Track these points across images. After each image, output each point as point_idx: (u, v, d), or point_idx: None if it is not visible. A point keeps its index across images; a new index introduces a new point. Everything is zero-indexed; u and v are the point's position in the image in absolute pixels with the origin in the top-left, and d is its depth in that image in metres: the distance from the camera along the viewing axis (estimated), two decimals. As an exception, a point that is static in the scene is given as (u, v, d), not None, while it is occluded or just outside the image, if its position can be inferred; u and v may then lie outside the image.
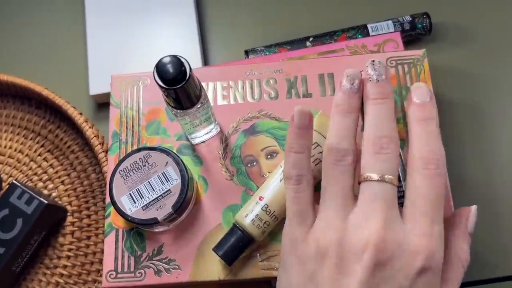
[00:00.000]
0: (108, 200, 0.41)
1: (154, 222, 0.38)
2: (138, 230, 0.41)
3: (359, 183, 0.33)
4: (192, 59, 0.53)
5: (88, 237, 0.49)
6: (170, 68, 0.33)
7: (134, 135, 0.44)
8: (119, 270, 0.40)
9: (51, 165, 0.51)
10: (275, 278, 0.41)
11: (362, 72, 0.36)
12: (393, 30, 0.51)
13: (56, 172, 0.51)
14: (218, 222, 0.41)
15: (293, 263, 0.34)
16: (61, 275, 0.48)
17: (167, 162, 0.39)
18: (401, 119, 0.43)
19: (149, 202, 0.38)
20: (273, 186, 0.39)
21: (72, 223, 0.49)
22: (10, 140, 0.52)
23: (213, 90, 0.45)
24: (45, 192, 0.50)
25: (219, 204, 0.42)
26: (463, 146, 0.49)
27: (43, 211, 0.45)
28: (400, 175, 0.39)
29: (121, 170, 0.39)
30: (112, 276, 0.40)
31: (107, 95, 0.48)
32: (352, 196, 0.34)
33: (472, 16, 0.54)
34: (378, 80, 0.35)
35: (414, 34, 0.52)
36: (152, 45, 0.54)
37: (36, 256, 0.48)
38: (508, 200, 0.47)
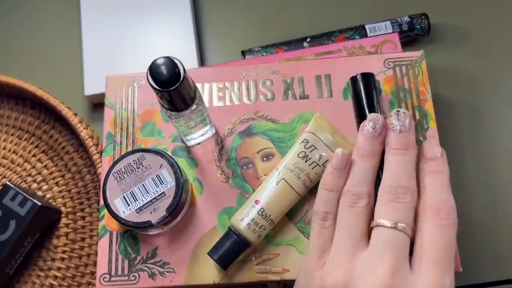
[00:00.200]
0: (102, 202, 0.40)
1: (148, 225, 0.37)
2: (132, 233, 0.41)
3: (371, 229, 0.33)
4: (189, 59, 0.52)
5: (83, 239, 0.48)
6: (163, 70, 0.32)
7: (128, 136, 0.44)
8: (113, 273, 0.40)
9: (45, 166, 0.51)
10: (270, 282, 0.41)
11: (386, 118, 0.37)
12: (391, 31, 0.51)
13: (51, 173, 0.50)
14: (213, 225, 0.41)
15: (302, 281, 0.34)
16: (55, 277, 0.47)
17: (161, 165, 0.39)
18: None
19: (143, 205, 0.38)
20: (269, 190, 0.39)
21: (67, 225, 0.48)
22: (4, 140, 0.52)
23: (209, 91, 0.45)
24: (39, 193, 0.50)
25: (214, 206, 0.41)
26: (462, 146, 0.49)
27: (37, 213, 0.45)
28: None
29: (115, 172, 0.39)
30: (105, 279, 0.40)
31: (102, 95, 0.48)
32: (364, 239, 0.34)
33: (471, 17, 0.54)
34: (401, 131, 0.36)
35: (412, 35, 0.52)
36: (148, 45, 0.53)
37: (30, 258, 0.48)
38: (507, 200, 0.47)
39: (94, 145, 0.46)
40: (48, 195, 0.50)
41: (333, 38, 0.51)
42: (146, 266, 0.40)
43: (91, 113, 0.54)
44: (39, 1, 0.59)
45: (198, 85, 0.44)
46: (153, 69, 0.32)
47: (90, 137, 0.46)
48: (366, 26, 0.51)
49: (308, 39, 0.52)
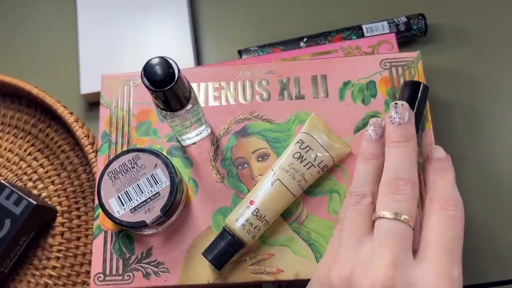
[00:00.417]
0: (96, 202, 0.40)
1: (142, 225, 0.37)
2: (127, 233, 0.41)
3: (373, 222, 0.34)
4: (185, 58, 0.52)
5: (78, 238, 0.48)
6: (158, 70, 0.32)
7: (124, 135, 0.44)
8: (107, 272, 0.40)
9: (41, 164, 0.50)
10: (264, 282, 0.41)
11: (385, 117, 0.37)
12: (388, 31, 0.51)
13: (46, 172, 0.50)
14: (208, 225, 0.41)
15: (315, 280, 0.35)
16: (50, 276, 0.47)
17: (156, 164, 0.39)
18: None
19: (138, 205, 0.38)
20: (264, 190, 0.39)
21: (62, 224, 0.48)
22: (-1, 139, 0.52)
23: (205, 90, 0.45)
24: (35, 192, 0.50)
25: (209, 206, 0.41)
26: (459, 147, 0.49)
27: (32, 212, 0.45)
28: None
29: (109, 172, 0.39)
30: (100, 279, 0.40)
31: (98, 94, 0.47)
32: (369, 233, 0.34)
33: (468, 17, 0.54)
34: (400, 123, 0.36)
35: (409, 35, 0.52)
36: (144, 44, 0.53)
37: (25, 256, 0.48)
38: (506, 200, 0.47)
39: (89, 144, 0.46)
40: (43, 194, 0.50)
41: (330, 38, 0.51)
42: (140, 266, 0.40)
43: (87, 112, 0.53)
44: (35, 0, 0.59)
45: (194, 85, 0.44)
46: (148, 69, 0.32)
47: (85, 136, 0.46)
48: (363, 26, 0.51)
49: (305, 39, 0.51)
